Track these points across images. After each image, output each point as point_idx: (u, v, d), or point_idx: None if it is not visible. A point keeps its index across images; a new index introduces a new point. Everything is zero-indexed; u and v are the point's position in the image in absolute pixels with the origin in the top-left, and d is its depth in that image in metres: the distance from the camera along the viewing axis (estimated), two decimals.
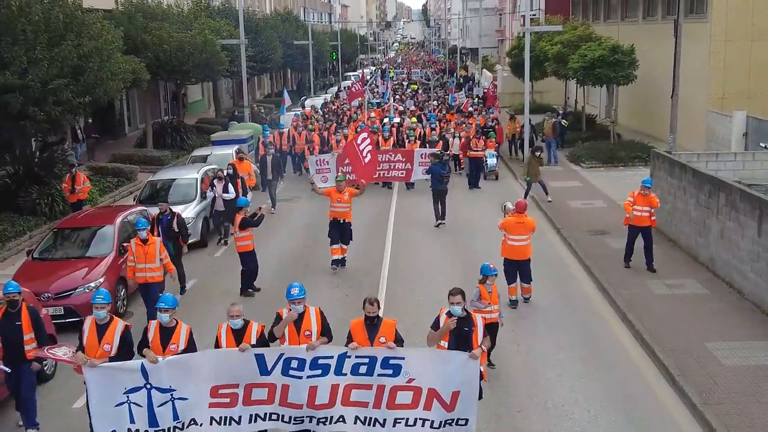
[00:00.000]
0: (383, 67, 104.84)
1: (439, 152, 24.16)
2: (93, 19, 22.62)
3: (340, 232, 18.91)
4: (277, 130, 31.50)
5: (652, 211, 17.70)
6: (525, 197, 25.85)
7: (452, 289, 10.66)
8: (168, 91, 50.10)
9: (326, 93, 63.20)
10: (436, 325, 10.65)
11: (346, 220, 18.86)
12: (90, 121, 35.71)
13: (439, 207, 23.19)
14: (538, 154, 26.28)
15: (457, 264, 19.34)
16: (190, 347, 10.47)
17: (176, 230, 17.28)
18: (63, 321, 15.33)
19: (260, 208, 19.18)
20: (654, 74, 35.35)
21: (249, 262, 17.74)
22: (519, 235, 15.87)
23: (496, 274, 12.92)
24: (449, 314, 10.49)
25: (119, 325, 10.63)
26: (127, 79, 27.61)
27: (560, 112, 36.99)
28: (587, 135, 36.65)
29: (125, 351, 10.46)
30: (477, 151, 29.25)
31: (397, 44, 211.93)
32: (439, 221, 23.00)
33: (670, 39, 28.75)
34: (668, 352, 13.39)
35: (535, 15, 59.68)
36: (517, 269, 16.03)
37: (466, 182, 29.05)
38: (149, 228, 15.60)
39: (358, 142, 21.37)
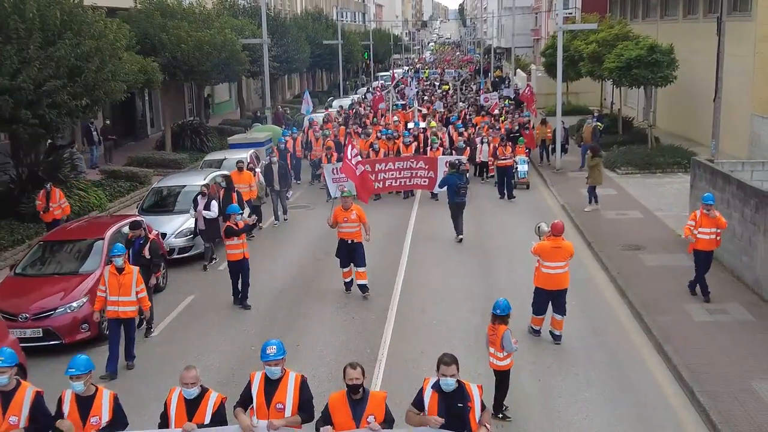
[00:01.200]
0: (417, 67, 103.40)
1: (456, 161, 22.35)
2: (95, 17, 21.34)
3: (349, 253, 16.96)
4: (291, 134, 29.89)
5: (719, 231, 15.57)
6: (591, 202, 24.25)
7: (444, 357, 8.29)
8: (193, 91, 49.05)
9: (356, 93, 61.85)
10: (418, 403, 8.44)
11: (355, 241, 16.89)
12: (108, 122, 34.69)
13: (459, 221, 21.46)
14: (589, 155, 24.64)
15: (476, 284, 17.76)
16: (117, 417, 8.72)
17: (147, 257, 15.32)
18: (41, 344, 14.14)
19: (251, 216, 18.25)
20: (695, 75, 33.48)
21: (236, 271, 16.63)
22: (555, 262, 13.78)
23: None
24: (436, 387, 8.33)
25: (28, 392, 8.74)
26: (137, 79, 26.49)
27: (595, 114, 35.21)
28: (623, 138, 34.89)
29: (39, 424, 8.63)
30: (504, 159, 26.90)
31: (433, 44, 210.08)
32: (459, 236, 21.27)
33: (713, 38, 26.99)
34: (709, 393, 11.76)
35: (570, 13, 57.92)
36: (550, 300, 14.05)
37: (496, 192, 27.15)
38: (126, 254, 13.87)
39: (349, 157, 19.76)
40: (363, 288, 16.92)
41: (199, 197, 19.50)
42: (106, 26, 21.56)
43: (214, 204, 19.34)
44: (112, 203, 26.32)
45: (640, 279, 17.26)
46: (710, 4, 34.47)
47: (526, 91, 43.67)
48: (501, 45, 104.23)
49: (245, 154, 26.79)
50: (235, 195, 20.17)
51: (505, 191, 26.59)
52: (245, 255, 16.68)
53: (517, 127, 31.21)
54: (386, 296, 16.85)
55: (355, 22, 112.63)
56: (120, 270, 13.32)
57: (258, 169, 24.34)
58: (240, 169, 22.43)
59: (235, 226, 16.49)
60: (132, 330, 13.69)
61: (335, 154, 26.68)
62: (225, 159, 27.17)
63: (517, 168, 27.59)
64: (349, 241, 16.85)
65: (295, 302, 16.82)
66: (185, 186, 21.87)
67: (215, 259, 19.76)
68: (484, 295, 16.72)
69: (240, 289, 16.73)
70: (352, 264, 17.02)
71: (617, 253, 19.32)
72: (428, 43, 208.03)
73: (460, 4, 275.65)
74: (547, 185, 28.89)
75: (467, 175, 22.54)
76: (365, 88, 64.81)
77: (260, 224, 22.01)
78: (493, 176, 28.99)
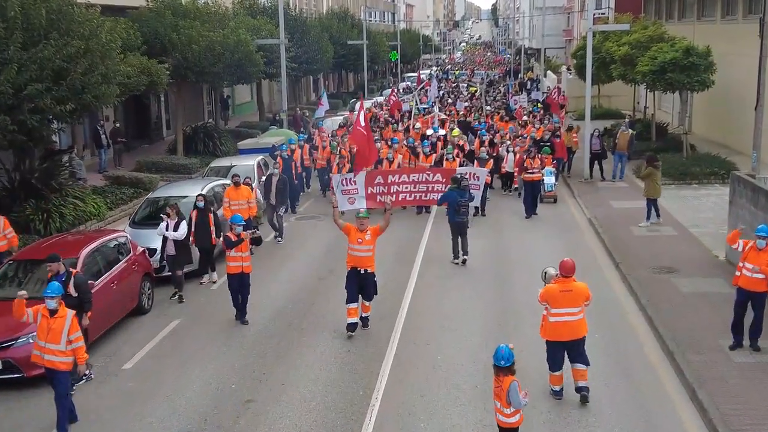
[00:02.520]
0: (446, 68, 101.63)
1: (458, 176, 19.82)
2: (87, 16, 19.84)
3: (359, 285, 14.88)
4: (297, 142, 27.60)
5: None
6: (648, 219, 22.22)
7: None
8: (211, 92, 47.75)
9: (381, 95, 60.28)
10: None
11: (368, 270, 14.86)
12: (117, 124, 33.40)
13: (459, 242, 19.22)
14: (656, 163, 22.32)
15: (490, 312, 15.97)
16: None
17: (75, 296, 13.04)
18: (0, 378, 12.76)
19: (254, 231, 16.71)
20: (734, 79, 31.49)
21: (234, 286, 15.58)
22: (566, 308, 11.47)
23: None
24: None
25: None
26: (140, 82, 25.13)
27: (626, 120, 33.17)
28: (657, 146, 32.84)
29: None
30: (533, 173, 24.22)
31: (464, 44, 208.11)
32: (461, 258, 19.12)
33: (754, 40, 25.11)
34: None
35: (603, 13, 55.94)
36: (566, 352, 11.75)
37: (519, 205, 24.70)
38: (62, 295, 11.61)
39: (362, 123, 17.79)
40: (364, 321, 15.09)
41: (166, 217, 17.28)
42: (98, 25, 20.00)
43: (183, 225, 17.25)
44: (113, 211, 24.98)
45: (673, 308, 15.51)
46: (750, 3, 32.48)
47: (554, 94, 41.59)
48: (532, 46, 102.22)
49: (252, 161, 25.37)
50: (211, 216, 17.97)
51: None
52: (243, 269, 15.49)
53: (548, 136, 28.36)
54: (389, 324, 15.24)
55: (384, 21, 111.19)
56: (52, 312, 11.30)
57: (255, 184, 21.84)
58: (236, 184, 19.97)
59: (236, 237, 15.35)
60: (61, 387, 11.25)
61: (347, 165, 24.26)
62: (234, 166, 25.58)
63: (543, 181, 25.04)
64: (362, 271, 14.79)
65: (290, 328, 15.27)
66: (186, 196, 20.20)
67: (179, 296, 17.29)
68: (498, 324, 15.13)
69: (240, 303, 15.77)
70: (360, 297, 15.00)
71: (648, 277, 17.56)
72: (459, 44, 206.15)
73: (492, 4, 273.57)
74: (574, 196, 27.07)
75: (470, 191, 19.84)
76: (390, 90, 63.12)
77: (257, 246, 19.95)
78: (517, 188, 26.86)
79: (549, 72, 68.40)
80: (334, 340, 14.56)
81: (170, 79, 29.71)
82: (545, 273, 12.12)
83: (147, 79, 25.68)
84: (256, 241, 16.95)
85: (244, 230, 15.73)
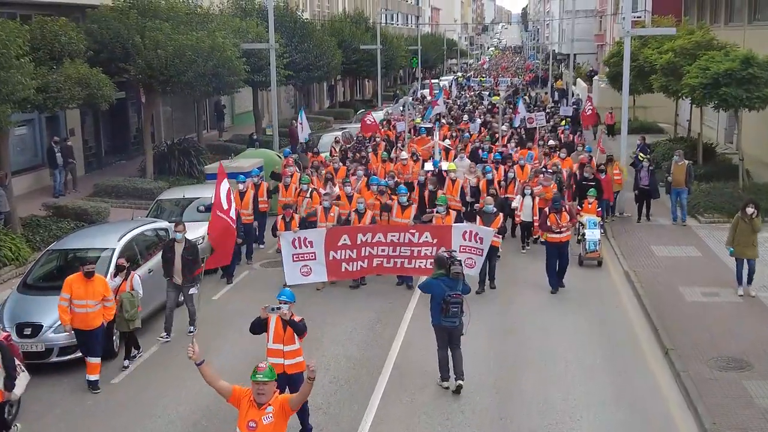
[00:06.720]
0: (468, 74, 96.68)
1: (444, 255, 12.54)
2: None
3: None
4: (251, 178, 21.24)
5: None
6: (740, 282, 16.59)
7: None
8: (205, 101, 43.12)
9: (395, 102, 55.43)
10: None
11: None
12: (69, 143, 28.78)
13: (449, 356, 12.49)
14: (751, 212, 16.14)
15: None
16: None
17: None
18: None
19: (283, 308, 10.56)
20: None
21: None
22: None
23: None
24: None
25: None
26: (72, 95, 20.62)
27: (638, 142, 27.98)
28: (705, 171, 27.63)
29: None
30: (559, 232, 17.26)
31: (493, 49, 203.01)
32: (454, 384, 12.39)
33: None
34: None
35: (639, 17, 50.83)
36: None
37: (539, 270, 17.91)
38: None
39: (224, 206, 11.77)
40: None
41: None
42: None
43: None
44: (41, 253, 20.39)
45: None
46: None
47: (587, 109, 36.17)
48: (562, 51, 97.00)
49: (210, 193, 20.44)
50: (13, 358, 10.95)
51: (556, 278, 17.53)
52: (286, 369, 10.57)
53: (588, 175, 21.71)
54: None
55: (407, 25, 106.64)
56: None
57: (138, 274, 14.50)
58: (88, 275, 12.81)
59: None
60: None
61: (296, 216, 17.64)
62: (196, 199, 20.74)
63: (584, 236, 19.27)
64: None
65: None
66: (104, 249, 14.98)
67: None
68: None
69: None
70: None
71: (710, 377, 12.62)
72: (488, 48, 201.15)
73: (523, 8, 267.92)
74: (607, 236, 21.92)
75: (465, 279, 12.65)
76: (404, 99, 58.19)
77: (138, 353, 14.13)
78: (537, 239, 20.41)
79: (579, 80, 63.30)
80: None
81: (141, 88, 25.36)
82: None
83: (84, 91, 21.11)
84: (297, 330, 10.61)
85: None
